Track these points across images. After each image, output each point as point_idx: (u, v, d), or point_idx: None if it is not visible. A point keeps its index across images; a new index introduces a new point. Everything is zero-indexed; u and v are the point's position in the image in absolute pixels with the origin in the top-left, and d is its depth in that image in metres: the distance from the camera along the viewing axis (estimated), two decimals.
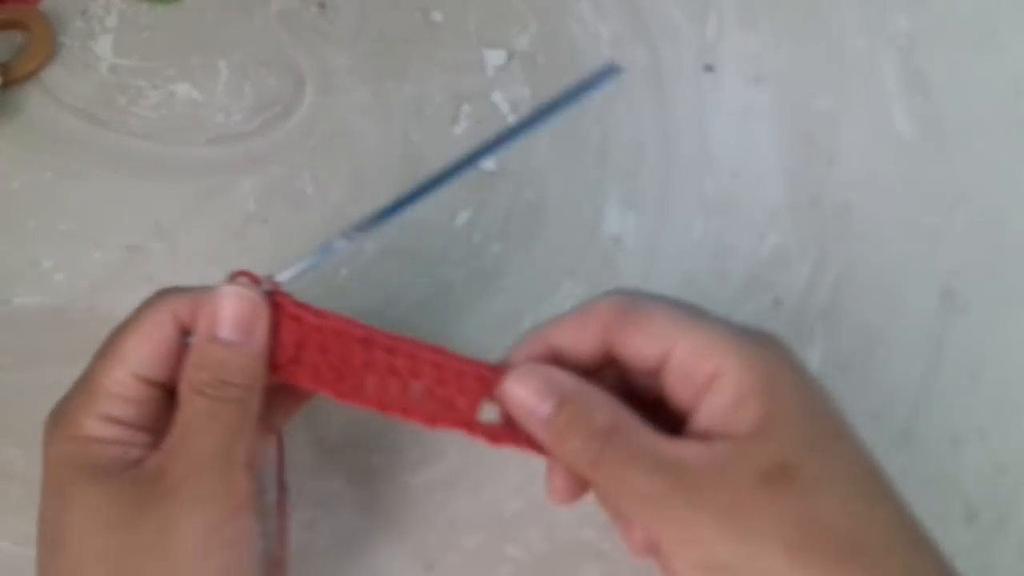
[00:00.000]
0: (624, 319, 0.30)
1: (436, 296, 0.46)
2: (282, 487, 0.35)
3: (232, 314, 0.31)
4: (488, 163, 0.49)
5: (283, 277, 0.33)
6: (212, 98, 0.50)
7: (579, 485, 0.31)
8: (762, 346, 0.29)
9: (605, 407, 0.29)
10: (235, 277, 0.32)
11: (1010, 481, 0.43)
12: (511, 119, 0.50)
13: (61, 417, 0.31)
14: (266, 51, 0.51)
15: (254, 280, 0.32)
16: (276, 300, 0.33)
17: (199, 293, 0.32)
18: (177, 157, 0.49)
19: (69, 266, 0.46)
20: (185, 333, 0.32)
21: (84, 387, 0.31)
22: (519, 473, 0.42)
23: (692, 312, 0.30)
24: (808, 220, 0.48)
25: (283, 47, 0.51)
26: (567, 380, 0.30)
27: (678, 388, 0.30)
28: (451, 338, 0.45)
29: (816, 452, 0.28)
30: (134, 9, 0.52)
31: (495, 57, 0.51)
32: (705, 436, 0.29)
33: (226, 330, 0.31)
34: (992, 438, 0.44)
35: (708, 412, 0.29)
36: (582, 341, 0.31)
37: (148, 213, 0.47)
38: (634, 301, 0.31)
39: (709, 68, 0.51)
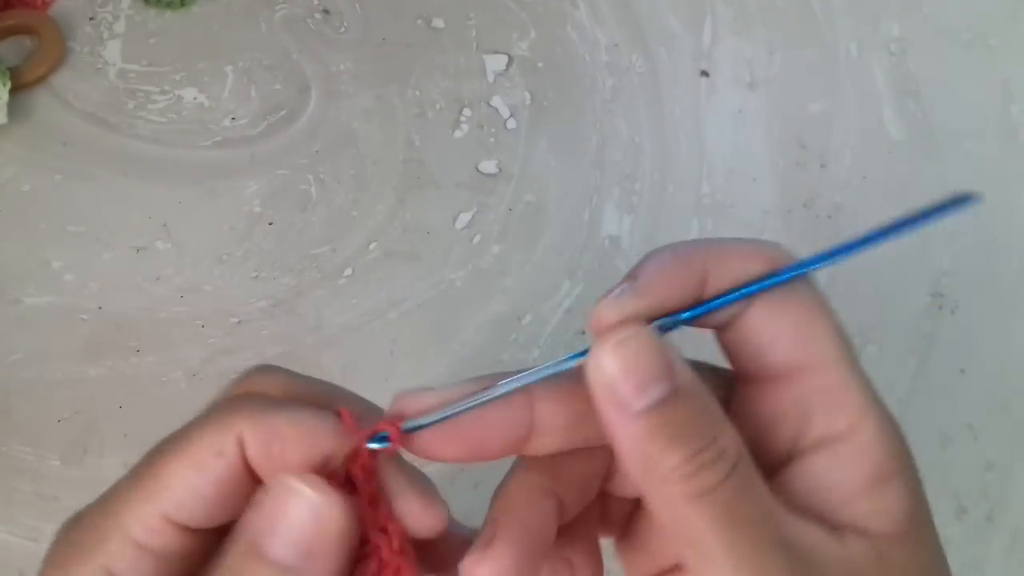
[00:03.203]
0: (763, 298, 0.22)
1: (437, 296, 0.47)
2: None
3: (298, 526, 0.21)
4: (488, 166, 0.50)
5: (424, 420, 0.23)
6: (219, 102, 0.51)
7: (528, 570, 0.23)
8: (890, 415, 0.22)
9: (730, 426, 0.21)
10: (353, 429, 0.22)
11: (999, 477, 0.44)
12: (511, 123, 0.51)
13: (65, 548, 0.22)
14: (272, 56, 0.52)
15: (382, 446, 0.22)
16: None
17: (282, 420, 0.22)
18: (184, 160, 0.49)
19: (78, 267, 0.47)
20: (254, 479, 0.22)
21: (101, 511, 0.22)
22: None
23: (835, 328, 0.23)
24: (801, 221, 0.49)
25: (288, 53, 0.52)
26: (686, 367, 0.21)
27: (783, 416, 0.22)
28: (451, 338, 0.46)
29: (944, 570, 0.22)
30: (142, 15, 0.52)
31: (495, 62, 0.52)
32: (830, 517, 0.21)
33: (282, 547, 0.21)
34: (981, 435, 0.45)
35: (833, 481, 0.21)
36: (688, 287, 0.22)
37: (156, 215, 0.48)
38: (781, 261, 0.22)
39: (704, 73, 0.52)
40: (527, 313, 0.46)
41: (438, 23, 0.53)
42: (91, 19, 0.52)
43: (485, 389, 0.22)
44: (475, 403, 0.22)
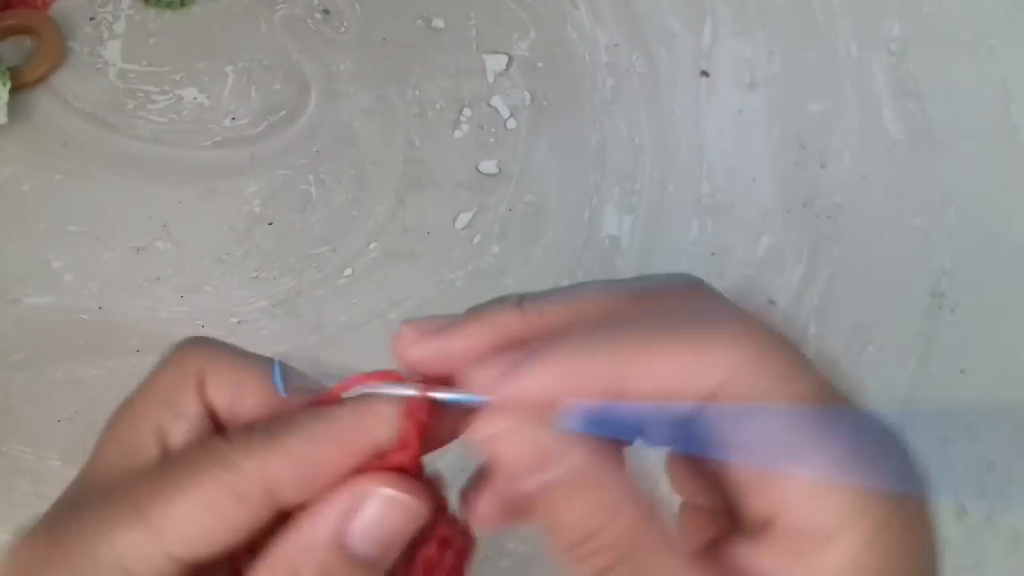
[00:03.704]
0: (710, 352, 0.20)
1: (437, 296, 0.47)
2: None
3: (379, 522, 0.21)
4: (488, 166, 0.50)
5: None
6: (219, 102, 0.51)
7: (513, 513, 0.23)
8: (893, 505, 0.19)
9: (625, 513, 0.20)
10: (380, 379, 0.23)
11: (998, 478, 0.44)
12: (511, 123, 0.51)
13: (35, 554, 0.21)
14: (272, 57, 0.52)
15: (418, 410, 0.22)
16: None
17: (310, 441, 0.21)
18: (184, 160, 0.49)
19: (78, 267, 0.47)
20: (282, 515, 0.21)
21: (91, 536, 0.20)
22: None
23: (808, 384, 0.20)
24: (801, 221, 0.49)
25: (288, 53, 0.52)
26: (578, 451, 0.20)
27: (749, 503, 0.20)
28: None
29: None
30: (142, 15, 0.53)
31: (495, 62, 0.52)
32: None
33: (364, 542, 0.21)
34: (981, 436, 0.45)
35: None
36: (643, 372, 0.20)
37: (156, 215, 0.48)
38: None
39: (705, 73, 0.52)
40: None
41: (438, 23, 0.53)
42: (91, 19, 0.52)
43: (492, 328, 0.22)
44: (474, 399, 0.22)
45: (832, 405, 0.20)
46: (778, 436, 0.19)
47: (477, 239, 0.48)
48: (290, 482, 0.21)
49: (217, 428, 0.23)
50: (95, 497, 0.21)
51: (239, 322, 0.46)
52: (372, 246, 0.48)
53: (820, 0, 0.54)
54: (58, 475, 0.42)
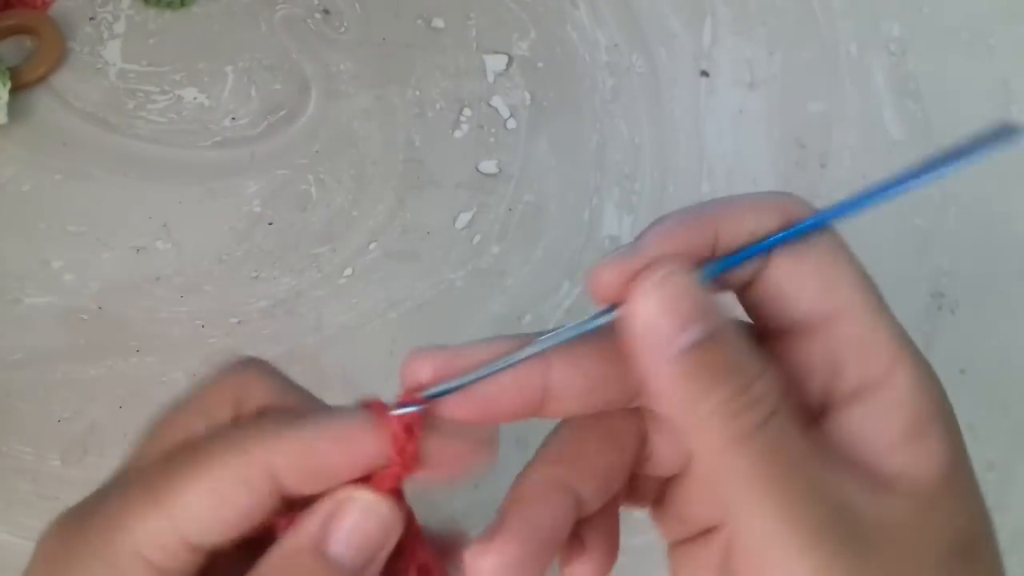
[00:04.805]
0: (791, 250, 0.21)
1: (437, 297, 0.47)
2: None
3: (358, 528, 0.21)
4: (488, 166, 0.50)
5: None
6: (219, 102, 0.51)
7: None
8: (925, 360, 0.22)
9: (771, 371, 0.21)
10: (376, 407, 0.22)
11: (999, 477, 0.44)
12: (511, 123, 0.51)
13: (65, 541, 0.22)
14: (272, 56, 0.52)
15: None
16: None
17: (315, 436, 0.21)
18: (184, 160, 0.49)
19: (78, 267, 0.47)
20: (287, 505, 0.22)
21: (107, 523, 0.21)
22: (518, 469, 0.43)
23: (861, 275, 0.22)
24: None
25: (288, 52, 0.52)
26: (718, 309, 0.21)
27: (812, 370, 0.22)
28: (451, 338, 0.45)
29: (988, 525, 0.21)
30: (142, 15, 0.53)
31: (495, 62, 0.52)
32: (870, 468, 0.20)
33: (345, 548, 0.21)
34: (981, 436, 0.45)
35: (869, 432, 0.21)
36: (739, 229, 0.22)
37: (156, 215, 0.48)
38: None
39: (705, 73, 0.52)
40: (527, 313, 0.46)
41: (438, 23, 0.53)
42: (91, 19, 0.52)
43: (500, 351, 0.22)
44: (493, 370, 0.22)
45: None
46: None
47: (477, 239, 0.48)
48: (295, 473, 0.21)
49: None
50: (111, 486, 0.22)
51: (239, 322, 0.46)
52: (372, 246, 0.48)
53: (820, 0, 0.54)
54: (58, 475, 0.42)
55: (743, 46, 0.52)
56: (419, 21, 0.53)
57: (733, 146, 0.50)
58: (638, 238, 0.22)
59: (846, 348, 0.21)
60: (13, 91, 0.49)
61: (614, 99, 0.51)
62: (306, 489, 0.21)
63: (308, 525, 0.21)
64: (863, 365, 0.21)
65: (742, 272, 0.22)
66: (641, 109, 0.51)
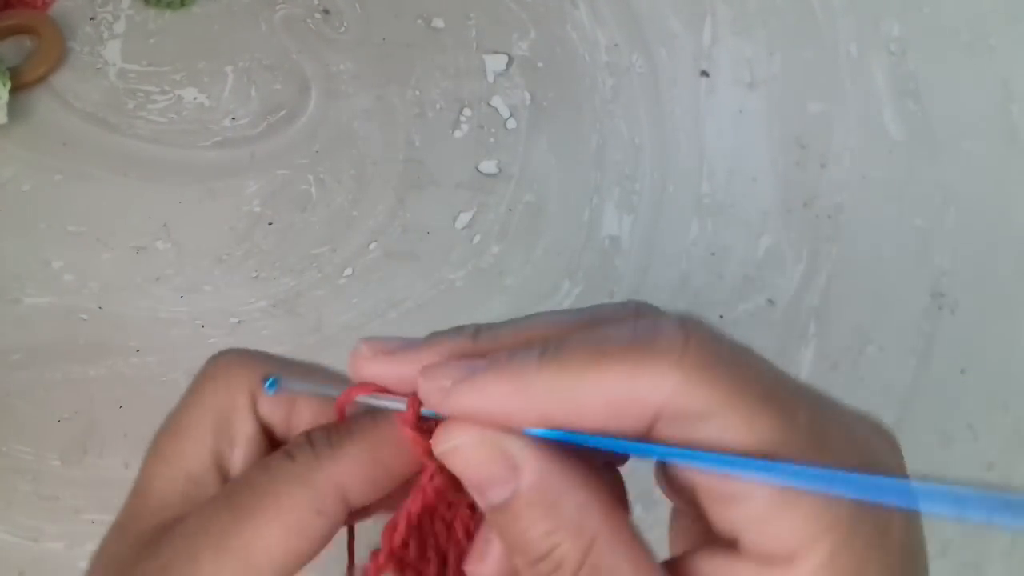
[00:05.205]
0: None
1: (437, 296, 0.47)
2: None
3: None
4: (488, 166, 0.50)
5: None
6: (219, 102, 0.51)
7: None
8: (856, 518, 0.18)
9: (576, 531, 0.19)
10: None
11: (999, 477, 0.44)
12: (511, 123, 0.51)
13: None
14: (272, 56, 0.52)
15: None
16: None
17: (377, 447, 0.22)
18: (184, 160, 0.49)
19: (78, 267, 0.47)
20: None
21: (181, 555, 0.21)
22: None
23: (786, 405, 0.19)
24: (801, 222, 0.49)
25: (288, 53, 0.52)
26: (538, 463, 0.20)
27: (716, 519, 0.19)
28: None
29: None
30: (142, 15, 0.53)
31: (495, 62, 0.52)
32: None
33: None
34: (981, 435, 0.45)
35: None
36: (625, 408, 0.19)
37: (156, 215, 0.48)
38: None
39: (705, 73, 0.52)
40: (527, 313, 0.46)
41: (438, 23, 0.53)
42: (91, 19, 0.52)
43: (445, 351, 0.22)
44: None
45: (782, 412, 0.19)
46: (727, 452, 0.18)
47: (477, 239, 0.48)
48: (362, 486, 0.22)
49: (272, 443, 0.23)
50: (171, 537, 0.22)
51: (239, 322, 0.46)
52: (372, 246, 0.48)
53: (820, 0, 0.54)
54: (58, 475, 0.42)
55: (743, 46, 0.52)
56: (419, 21, 0.53)
57: (733, 146, 0.50)
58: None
59: (748, 516, 0.19)
60: (13, 91, 0.49)
61: (614, 99, 0.51)
62: (372, 497, 0.22)
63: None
64: (766, 537, 0.18)
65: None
66: (641, 109, 0.51)
